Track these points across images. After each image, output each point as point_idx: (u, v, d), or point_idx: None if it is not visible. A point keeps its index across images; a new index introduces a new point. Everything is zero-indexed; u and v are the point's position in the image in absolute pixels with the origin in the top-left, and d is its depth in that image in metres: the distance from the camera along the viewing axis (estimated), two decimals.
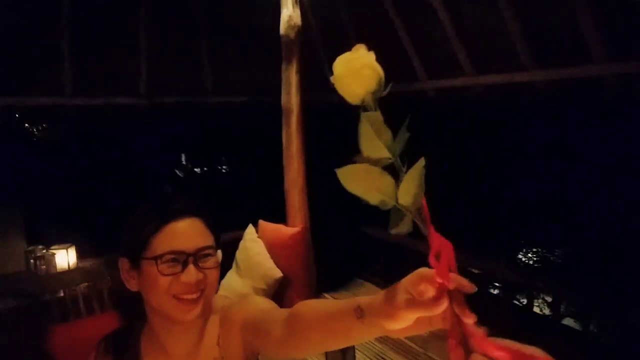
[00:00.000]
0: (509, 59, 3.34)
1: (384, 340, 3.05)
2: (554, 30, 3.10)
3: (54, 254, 2.93)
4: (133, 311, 0.95)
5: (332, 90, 0.62)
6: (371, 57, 0.58)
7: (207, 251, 0.86)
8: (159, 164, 5.12)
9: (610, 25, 2.75)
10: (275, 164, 3.73)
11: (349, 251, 4.17)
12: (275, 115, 3.70)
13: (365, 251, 4.12)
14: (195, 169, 5.41)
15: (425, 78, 4.07)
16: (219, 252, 0.89)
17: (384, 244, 3.95)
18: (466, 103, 4.10)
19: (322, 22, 4.52)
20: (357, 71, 0.58)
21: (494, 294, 3.80)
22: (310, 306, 0.77)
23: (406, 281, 0.59)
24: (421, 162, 0.55)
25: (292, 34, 3.42)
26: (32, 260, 2.92)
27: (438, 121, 4.60)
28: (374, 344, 3.00)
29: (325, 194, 4.30)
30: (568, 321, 3.53)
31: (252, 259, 3.23)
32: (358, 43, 0.62)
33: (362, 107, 0.59)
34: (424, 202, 0.55)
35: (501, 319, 3.04)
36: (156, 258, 0.81)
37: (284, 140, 3.55)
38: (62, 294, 2.23)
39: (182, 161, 5.05)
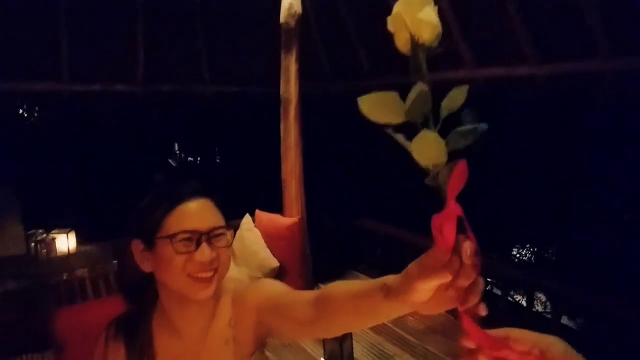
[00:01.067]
0: (510, 51, 3.32)
1: (380, 331, 3.08)
2: (558, 23, 3.08)
3: (54, 238, 2.95)
4: (139, 295, 0.97)
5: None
6: (435, 9, 0.53)
7: (219, 231, 0.88)
8: (153, 151, 5.10)
9: (617, 20, 2.73)
10: (272, 154, 3.72)
11: (345, 243, 4.18)
12: (271, 104, 3.68)
13: (361, 243, 4.13)
14: (190, 159, 5.41)
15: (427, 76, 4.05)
16: (230, 233, 0.91)
17: (380, 236, 3.97)
18: (467, 95, 4.07)
19: (320, 11, 4.48)
20: (415, 15, 0.53)
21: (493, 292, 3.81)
22: (340, 288, 0.77)
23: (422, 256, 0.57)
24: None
25: (292, 22, 3.39)
26: (32, 244, 2.92)
27: (435, 115, 4.58)
28: (370, 334, 3.02)
29: (321, 186, 4.31)
30: (564, 319, 3.55)
31: (249, 248, 3.23)
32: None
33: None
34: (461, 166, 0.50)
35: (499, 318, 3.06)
36: (171, 237, 0.83)
37: (282, 130, 3.54)
38: (66, 277, 2.22)
39: (175, 150, 5.05)
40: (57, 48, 3.83)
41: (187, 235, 0.84)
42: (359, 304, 0.71)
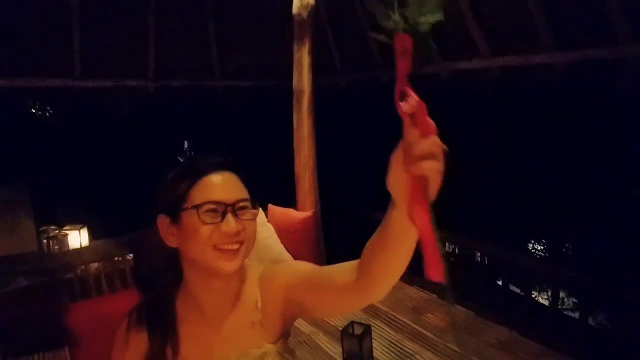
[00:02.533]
0: (528, 39, 3.27)
1: (400, 329, 3.05)
2: (576, 9, 3.02)
3: (67, 234, 3.00)
4: (156, 285, 0.98)
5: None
6: None
7: (244, 203, 0.88)
8: (164, 147, 5.16)
9: (637, 5, 2.67)
10: (283, 149, 3.73)
11: (359, 236, 4.16)
12: (283, 98, 3.69)
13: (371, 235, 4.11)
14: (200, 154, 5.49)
15: (438, 60, 4.00)
16: (258, 208, 0.91)
17: None
18: (481, 86, 4.03)
19: (331, 2, 4.45)
20: None
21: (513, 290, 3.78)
22: (369, 242, 0.79)
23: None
24: None
25: (304, 14, 3.38)
26: (44, 241, 2.98)
27: (451, 106, 4.54)
28: (390, 332, 3.00)
29: (335, 179, 4.31)
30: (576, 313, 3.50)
31: (262, 242, 3.25)
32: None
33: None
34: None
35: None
36: (196, 207, 0.84)
37: (294, 123, 3.54)
38: (79, 273, 2.25)
39: (185, 148, 5.09)
40: (69, 44, 3.89)
41: (212, 206, 0.84)
42: (383, 234, 0.73)
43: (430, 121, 0.58)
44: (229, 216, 0.85)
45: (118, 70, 4.18)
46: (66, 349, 2.96)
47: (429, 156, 0.58)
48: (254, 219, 0.90)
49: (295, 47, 3.50)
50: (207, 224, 0.84)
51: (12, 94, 3.86)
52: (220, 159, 0.91)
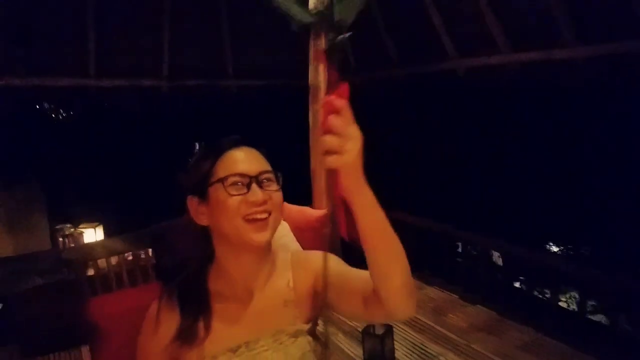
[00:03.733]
0: (548, 34, 3.26)
1: (422, 330, 3.05)
2: (600, 4, 3.00)
3: (82, 232, 3.06)
4: (178, 276, 1.01)
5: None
6: None
7: (267, 175, 0.93)
8: (178, 146, 5.25)
9: None
10: (298, 147, 3.76)
11: None
12: (297, 97, 3.71)
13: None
14: None
15: (455, 56, 4.00)
16: (280, 178, 0.95)
17: (413, 229, 3.95)
18: (500, 83, 4.01)
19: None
20: None
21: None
22: None
23: None
24: None
25: (321, 9, 3.40)
26: (60, 239, 3.05)
27: (468, 103, 4.53)
28: (412, 334, 3.00)
29: None
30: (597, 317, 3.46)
31: (277, 241, 3.26)
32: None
33: None
34: None
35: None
36: (222, 180, 0.89)
37: (310, 119, 3.55)
38: (100, 266, 2.29)
39: (195, 150, 5.15)
40: (84, 43, 3.98)
41: (237, 179, 0.89)
42: (361, 225, 0.78)
43: (332, 120, 0.66)
44: (254, 186, 0.89)
45: (132, 70, 4.26)
46: (87, 347, 3.03)
47: (331, 151, 0.66)
48: (278, 190, 0.93)
49: (311, 43, 3.52)
50: (233, 195, 0.88)
51: (28, 93, 3.95)
52: (242, 138, 0.97)
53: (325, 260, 0.95)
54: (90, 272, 2.24)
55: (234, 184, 0.89)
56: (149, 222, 2.59)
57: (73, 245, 3.01)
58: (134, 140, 4.82)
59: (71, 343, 3.06)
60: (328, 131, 0.67)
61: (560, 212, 4.41)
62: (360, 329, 2.58)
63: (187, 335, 0.92)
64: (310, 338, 0.98)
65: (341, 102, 0.67)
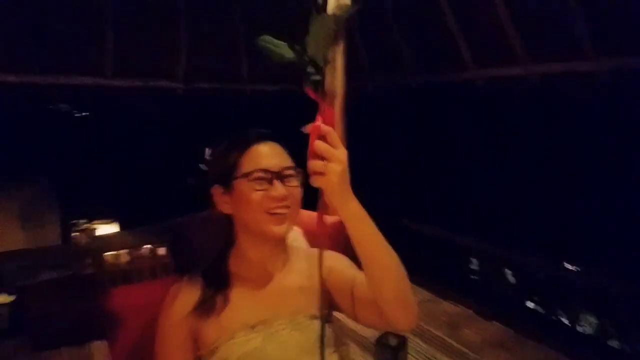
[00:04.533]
0: (569, 45, 3.29)
1: (435, 343, 3.05)
2: (622, 15, 3.03)
3: (96, 228, 3.16)
4: (196, 269, 1.08)
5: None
6: None
7: (289, 171, 0.99)
8: (191, 148, 5.35)
9: None
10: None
11: (388, 243, 4.20)
12: (311, 103, 3.78)
13: (405, 244, 4.14)
14: None
15: (473, 66, 4.04)
16: (301, 173, 1.00)
17: (425, 239, 3.97)
18: (519, 94, 4.04)
19: (361, 5, 4.53)
20: None
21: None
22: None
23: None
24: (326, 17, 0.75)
25: (339, 13, 3.45)
26: (74, 234, 3.14)
27: (486, 114, 4.55)
28: (424, 347, 3.00)
29: (365, 185, 4.37)
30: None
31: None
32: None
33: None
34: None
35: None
36: (247, 175, 0.96)
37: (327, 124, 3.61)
38: (118, 259, 2.35)
39: (206, 156, 5.26)
40: (101, 43, 4.09)
41: (261, 174, 0.96)
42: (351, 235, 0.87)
43: (318, 144, 0.75)
44: (277, 182, 0.96)
45: (148, 71, 4.37)
46: (99, 342, 3.09)
47: (316, 172, 0.75)
48: (299, 185, 1.00)
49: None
50: (257, 190, 0.95)
51: (44, 91, 4.06)
52: (267, 132, 1.03)
53: (335, 260, 1.05)
54: (108, 264, 2.30)
55: (258, 178, 0.96)
56: (162, 220, 2.67)
57: (88, 240, 3.10)
58: (148, 140, 4.93)
59: (83, 338, 3.14)
60: (314, 154, 0.76)
61: (579, 229, 4.40)
62: (370, 339, 2.60)
63: (206, 307, 0.99)
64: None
65: (326, 128, 0.76)
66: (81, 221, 3.21)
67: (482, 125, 4.64)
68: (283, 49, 0.79)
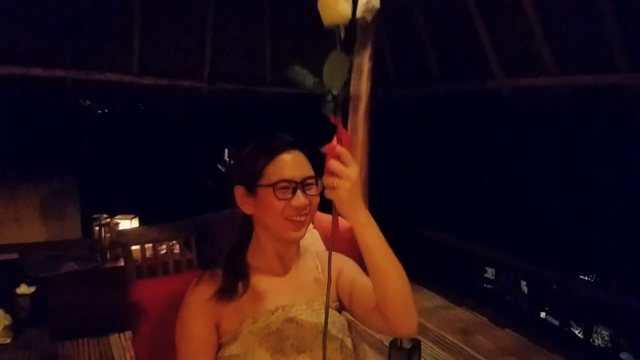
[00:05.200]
0: (599, 58, 3.28)
1: (449, 349, 3.09)
2: None
3: (118, 222, 3.25)
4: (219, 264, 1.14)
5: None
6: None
7: (310, 180, 1.06)
8: (211, 148, 5.45)
9: None
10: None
11: (405, 251, 4.22)
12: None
13: (423, 252, 4.17)
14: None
15: (501, 75, 4.05)
16: (320, 182, 1.07)
17: (442, 247, 3.99)
18: (546, 105, 4.03)
19: (388, 9, 4.57)
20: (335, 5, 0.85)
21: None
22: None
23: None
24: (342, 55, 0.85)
25: (368, 17, 3.47)
26: (96, 228, 3.23)
27: (512, 125, 4.54)
28: (439, 352, 3.04)
29: (385, 192, 4.41)
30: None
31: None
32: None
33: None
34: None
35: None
36: (272, 185, 1.02)
37: (348, 129, 3.65)
38: (144, 251, 2.41)
39: (224, 157, 5.35)
40: (129, 40, 4.20)
41: (285, 184, 1.02)
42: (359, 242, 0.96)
43: (332, 163, 0.85)
44: (299, 192, 1.03)
45: (174, 70, 4.48)
46: (116, 335, 3.19)
47: (329, 187, 0.86)
48: (317, 194, 1.07)
49: (355, 52, 3.61)
50: (280, 199, 1.01)
51: (71, 86, 4.18)
52: (291, 139, 1.09)
53: (345, 263, 1.16)
54: (135, 258, 2.37)
55: (282, 188, 1.02)
56: (181, 218, 2.75)
57: (109, 235, 3.19)
58: (170, 139, 5.04)
59: (102, 330, 3.24)
60: (329, 171, 0.85)
61: (595, 241, 4.35)
62: (384, 342, 2.64)
63: (227, 294, 1.06)
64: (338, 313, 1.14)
65: (341, 149, 0.86)
66: (103, 215, 3.30)
67: (507, 136, 4.63)
68: (307, 79, 0.89)
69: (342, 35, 0.89)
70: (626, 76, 3.17)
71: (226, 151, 5.39)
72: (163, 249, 2.49)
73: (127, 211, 3.52)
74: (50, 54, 4.00)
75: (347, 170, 0.85)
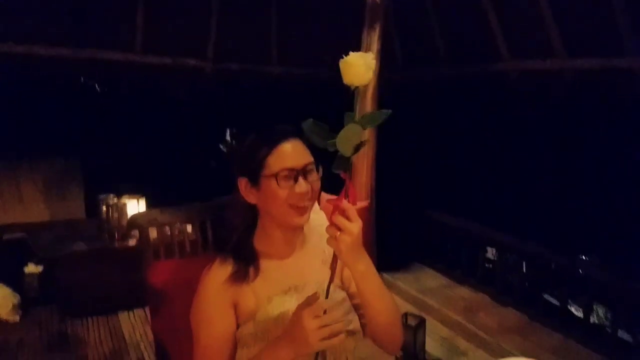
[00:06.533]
0: (608, 41, 3.34)
1: (452, 326, 3.24)
2: None
3: (125, 203, 3.34)
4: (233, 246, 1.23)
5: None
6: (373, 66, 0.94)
7: (310, 166, 1.13)
8: (216, 128, 5.51)
9: None
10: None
11: (413, 234, 4.36)
12: (342, 88, 3.88)
13: (430, 235, 4.28)
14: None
15: (508, 57, 4.10)
16: (320, 168, 1.15)
17: (449, 230, 4.10)
18: (553, 89, 4.10)
19: None
20: (363, 67, 0.94)
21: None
22: None
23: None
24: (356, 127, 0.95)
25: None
26: (104, 208, 3.32)
27: (518, 108, 4.62)
28: (442, 328, 3.20)
29: (392, 175, 4.50)
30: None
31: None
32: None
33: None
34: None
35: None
36: (275, 175, 1.09)
37: (356, 111, 3.71)
38: (162, 232, 2.49)
39: (226, 137, 5.41)
40: (132, 18, 4.22)
41: (287, 173, 1.09)
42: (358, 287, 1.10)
43: (336, 217, 0.96)
44: (300, 179, 1.10)
45: (178, 49, 4.51)
46: (125, 313, 3.31)
47: (332, 239, 0.98)
48: (318, 179, 1.15)
49: (364, 32, 3.64)
50: (283, 187, 1.09)
51: (74, 65, 4.22)
52: (290, 128, 1.15)
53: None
54: (151, 239, 2.46)
55: (284, 177, 1.09)
56: (188, 199, 2.83)
57: (116, 215, 3.28)
58: (174, 119, 5.10)
59: (111, 309, 3.36)
60: (333, 224, 0.96)
61: (596, 221, 4.47)
62: None
63: (239, 277, 1.15)
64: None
65: (347, 205, 0.96)
66: (110, 195, 3.39)
67: (512, 118, 4.71)
68: (321, 137, 0.96)
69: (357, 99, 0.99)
70: (635, 60, 3.23)
71: (228, 131, 5.44)
72: (181, 231, 2.57)
73: (130, 191, 3.58)
74: (53, 33, 4.03)
75: (350, 226, 0.95)
